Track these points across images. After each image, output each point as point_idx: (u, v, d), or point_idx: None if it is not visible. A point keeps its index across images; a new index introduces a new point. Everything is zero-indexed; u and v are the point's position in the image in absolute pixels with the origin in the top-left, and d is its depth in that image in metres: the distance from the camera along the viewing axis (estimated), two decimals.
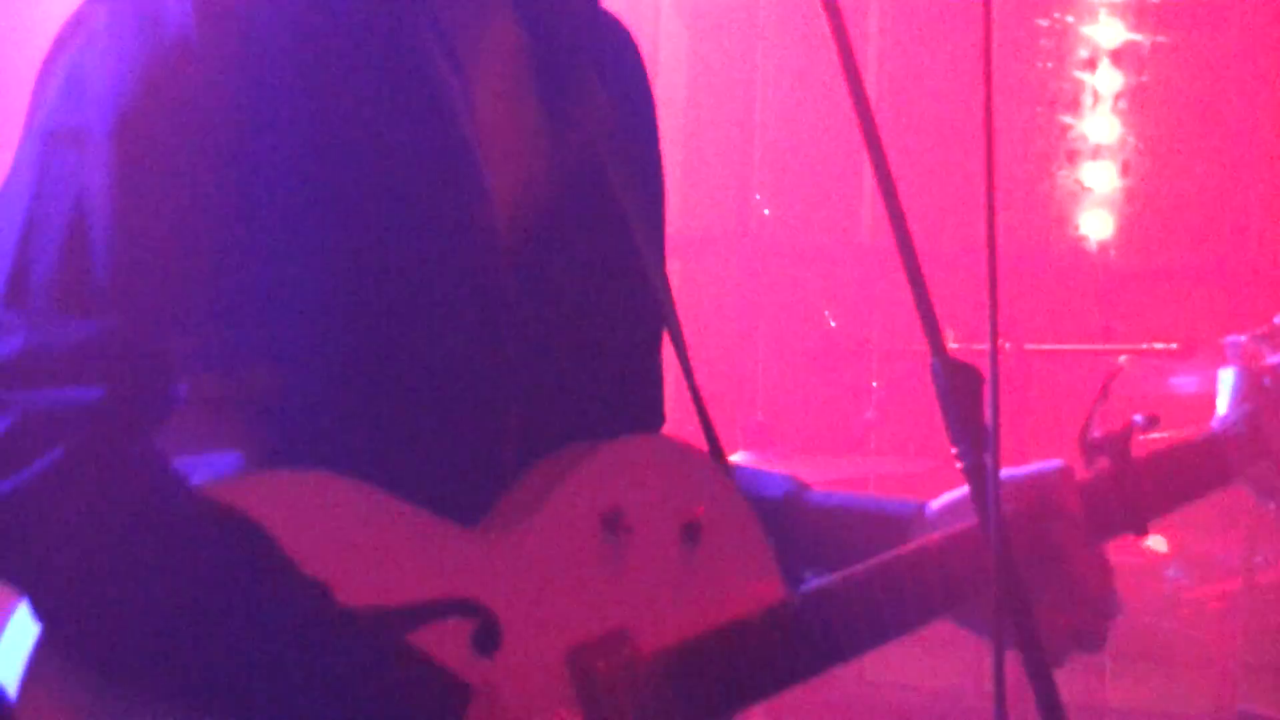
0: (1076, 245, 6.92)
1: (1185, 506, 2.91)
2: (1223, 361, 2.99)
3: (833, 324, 6.54)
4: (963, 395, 2.25)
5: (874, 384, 6.24)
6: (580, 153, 2.84)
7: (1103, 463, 2.84)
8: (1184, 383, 5.76)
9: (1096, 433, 2.87)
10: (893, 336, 6.25)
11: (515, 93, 2.80)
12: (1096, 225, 6.97)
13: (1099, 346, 6.26)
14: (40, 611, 2.37)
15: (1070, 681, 2.36)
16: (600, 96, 2.86)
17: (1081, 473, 2.84)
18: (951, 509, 2.80)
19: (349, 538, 2.59)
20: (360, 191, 2.61)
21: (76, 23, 2.53)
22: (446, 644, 2.51)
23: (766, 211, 6.18)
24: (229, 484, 2.53)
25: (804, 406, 5.86)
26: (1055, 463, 2.85)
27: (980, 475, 2.17)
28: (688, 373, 2.89)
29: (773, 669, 2.70)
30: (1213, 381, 3.08)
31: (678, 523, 2.72)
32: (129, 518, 2.44)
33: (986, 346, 2.16)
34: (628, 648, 2.63)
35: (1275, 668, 6.22)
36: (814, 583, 2.73)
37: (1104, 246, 6.91)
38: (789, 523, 2.90)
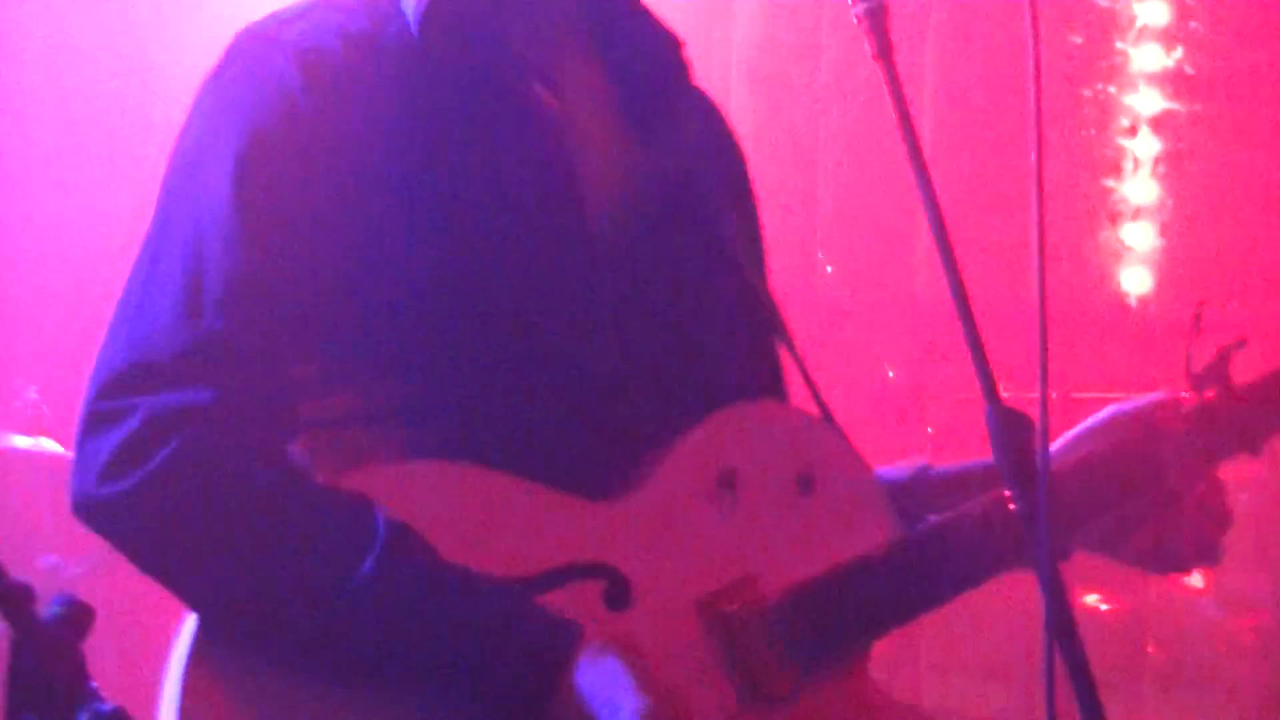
0: (1119, 300, 6.79)
1: None
2: None
3: (890, 374, 6.52)
4: (1014, 440, 2.39)
5: (929, 429, 6.26)
6: (668, 173, 3.06)
7: (1209, 392, 3.06)
8: None
9: (1197, 367, 3.08)
10: (948, 385, 6.17)
11: (607, 120, 3.06)
12: (1136, 281, 6.86)
13: (1140, 394, 6.33)
14: (177, 591, 2.67)
15: (1111, 706, 2.37)
16: (682, 131, 3.12)
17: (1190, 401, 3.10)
18: (1071, 444, 3.08)
19: (478, 517, 2.79)
20: (472, 212, 2.87)
21: (209, 84, 2.88)
22: (579, 605, 2.72)
23: (829, 269, 6.24)
24: (365, 473, 2.79)
25: (863, 451, 5.93)
26: (1159, 394, 3.11)
27: (1032, 516, 2.38)
28: (804, 372, 3.13)
29: (893, 602, 2.92)
30: None
31: (791, 474, 2.91)
32: (238, 499, 2.68)
33: (1037, 394, 2.37)
34: (753, 591, 2.81)
35: None
36: (929, 521, 2.96)
37: (1144, 301, 6.83)
38: (921, 494, 3.10)
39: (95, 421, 2.68)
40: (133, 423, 2.67)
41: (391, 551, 2.66)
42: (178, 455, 2.64)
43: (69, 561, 5.03)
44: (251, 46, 2.91)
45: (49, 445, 5.36)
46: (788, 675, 2.85)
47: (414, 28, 2.91)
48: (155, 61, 7.36)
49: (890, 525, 2.98)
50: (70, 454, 2.95)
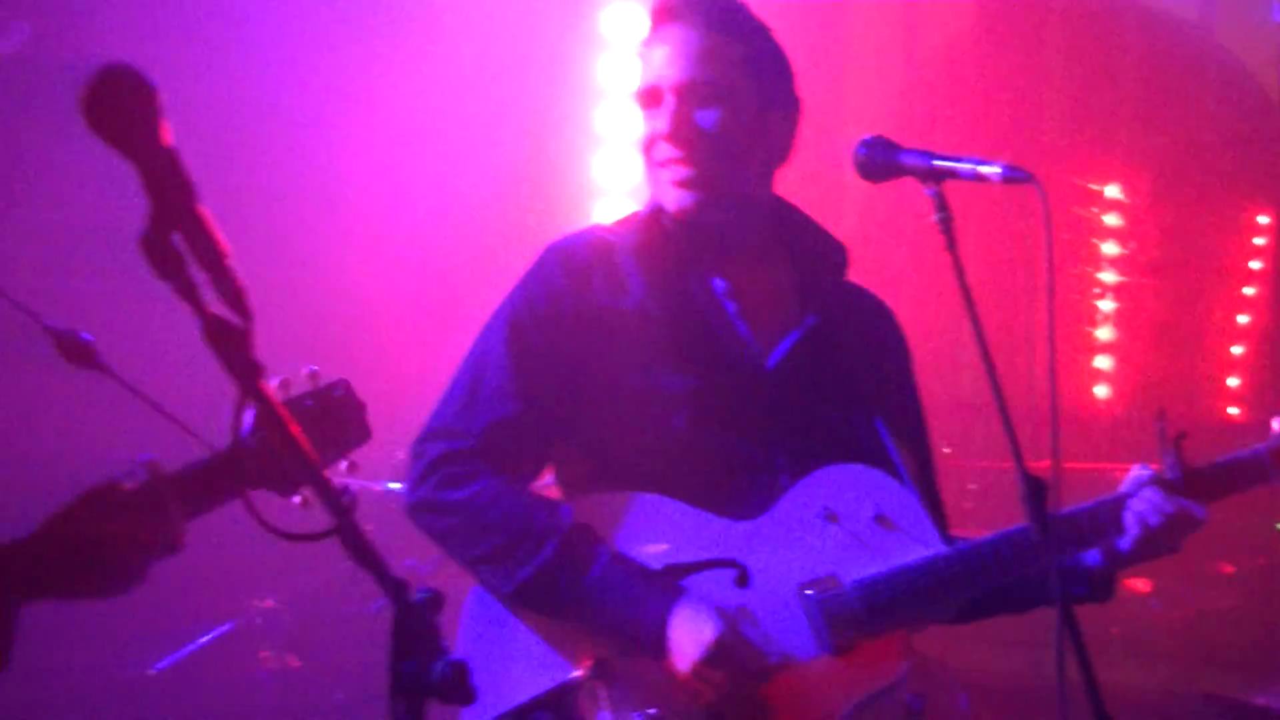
0: (1092, 403, 7.31)
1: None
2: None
3: (946, 450, 6.13)
4: (1034, 496, 2.73)
5: (971, 485, 6.45)
6: (818, 329, 3.37)
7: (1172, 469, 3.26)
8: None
9: (1164, 445, 3.30)
10: (980, 456, 6.40)
11: (780, 295, 3.42)
12: (1103, 391, 7.41)
13: (1103, 463, 6.71)
14: (453, 554, 3.26)
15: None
16: (835, 305, 3.41)
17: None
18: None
19: (652, 523, 3.27)
20: (667, 351, 3.33)
21: (528, 272, 3.37)
22: (718, 582, 3.20)
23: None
24: (589, 499, 3.28)
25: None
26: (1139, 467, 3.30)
27: (1049, 551, 2.76)
28: (889, 451, 3.34)
29: (934, 598, 3.20)
30: None
31: (870, 514, 3.25)
32: (475, 506, 3.21)
33: (1047, 464, 2.76)
34: (835, 584, 3.19)
35: (1223, 666, 6.25)
36: (961, 544, 3.20)
37: (1108, 404, 7.37)
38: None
39: (412, 457, 3.28)
40: (425, 460, 3.28)
41: (571, 534, 3.19)
42: (445, 478, 3.26)
43: (422, 563, 5.23)
44: (542, 254, 3.40)
45: None
46: (849, 638, 3.19)
47: (634, 257, 3.36)
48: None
49: (935, 546, 3.23)
50: None
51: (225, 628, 5.63)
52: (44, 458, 4.67)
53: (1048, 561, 2.75)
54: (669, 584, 3.15)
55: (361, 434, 2.79)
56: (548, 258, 3.33)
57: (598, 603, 3.15)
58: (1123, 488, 3.25)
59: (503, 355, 3.27)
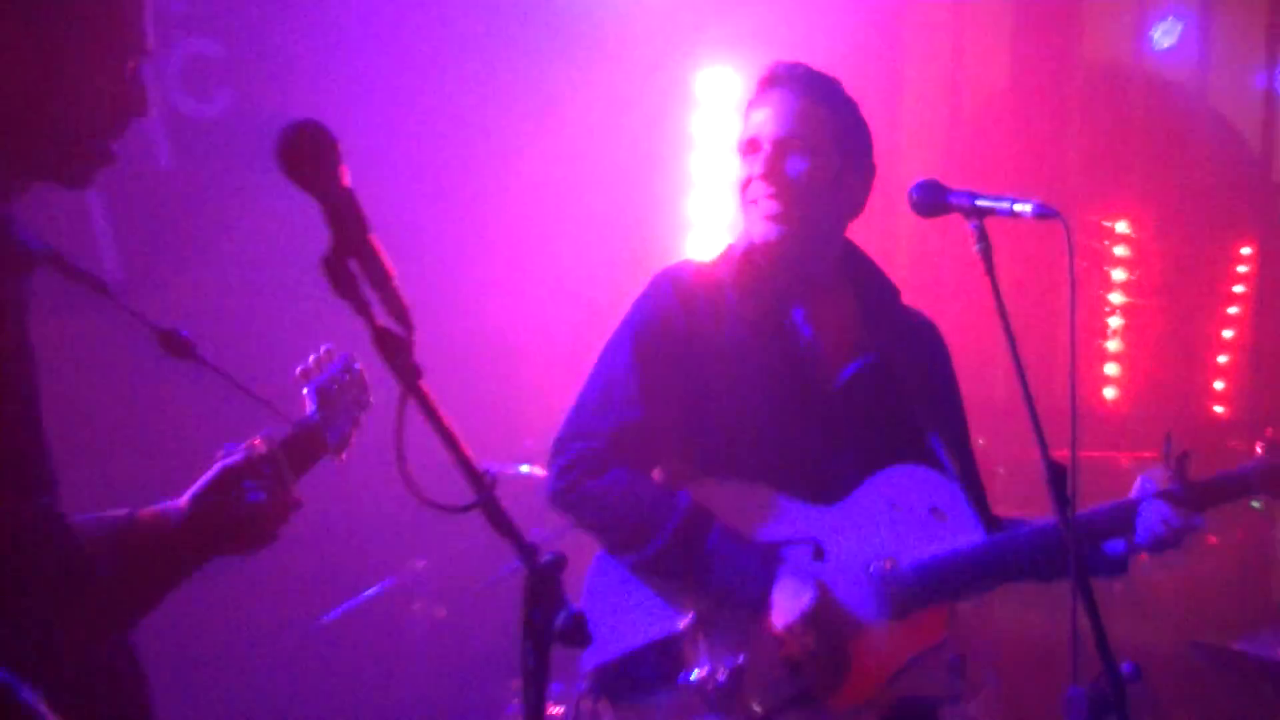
0: (1102, 401, 7.21)
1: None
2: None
3: (981, 441, 5.41)
4: (1057, 480, 2.74)
5: (1000, 469, 6.29)
6: (879, 354, 3.39)
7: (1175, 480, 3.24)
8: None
9: (1170, 460, 3.29)
10: (1009, 445, 6.17)
11: (846, 325, 3.42)
12: (1111, 393, 7.29)
13: (1111, 452, 6.51)
14: (591, 531, 3.31)
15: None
16: (891, 331, 3.42)
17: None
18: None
19: (749, 508, 3.28)
20: (753, 374, 3.32)
21: (639, 299, 3.37)
22: (799, 556, 3.24)
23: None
24: (695, 486, 3.30)
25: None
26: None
27: (1067, 523, 2.74)
28: (941, 455, 3.32)
29: (977, 579, 3.26)
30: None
31: (926, 507, 3.28)
32: (609, 494, 3.25)
33: (1068, 451, 2.74)
34: (894, 564, 3.24)
35: (1209, 619, 6.18)
36: (1001, 535, 3.27)
37: (1115, 403, 7.24)
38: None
39: (553, 454, 3.32)
40: (566, 457, 3.31)
41: (688, 513, 3.22)
42: (583, 471, 3.29)
43: (546, 531, 4.90)
44: (655, 280, 3.41)
45: (539, 471, 5.28)
46: (904, 606, 3.24)
47: (730, 286, 3.39)
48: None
49: (977, 534, 3.27)
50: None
51: (385, 584, 5.62)
52: (150, 438, 4.75)
53: (1070, 544, 2.71)
54: (771, 555, 3.17)
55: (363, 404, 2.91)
56: (661, 283, 3.35)
57: (712, 569, 3.17)
58: (1134, 493, 3.26)
59: (629, 367, 3.29)
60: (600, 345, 3.48)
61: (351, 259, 1.80)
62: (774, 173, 3.27)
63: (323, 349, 2.87)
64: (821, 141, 3.31)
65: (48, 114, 2.10)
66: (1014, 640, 6.06)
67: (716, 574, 3.17)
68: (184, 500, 2.41)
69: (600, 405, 3.30)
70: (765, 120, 3.31)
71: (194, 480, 2.45)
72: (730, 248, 3.43)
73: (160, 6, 4.24)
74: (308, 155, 1.77)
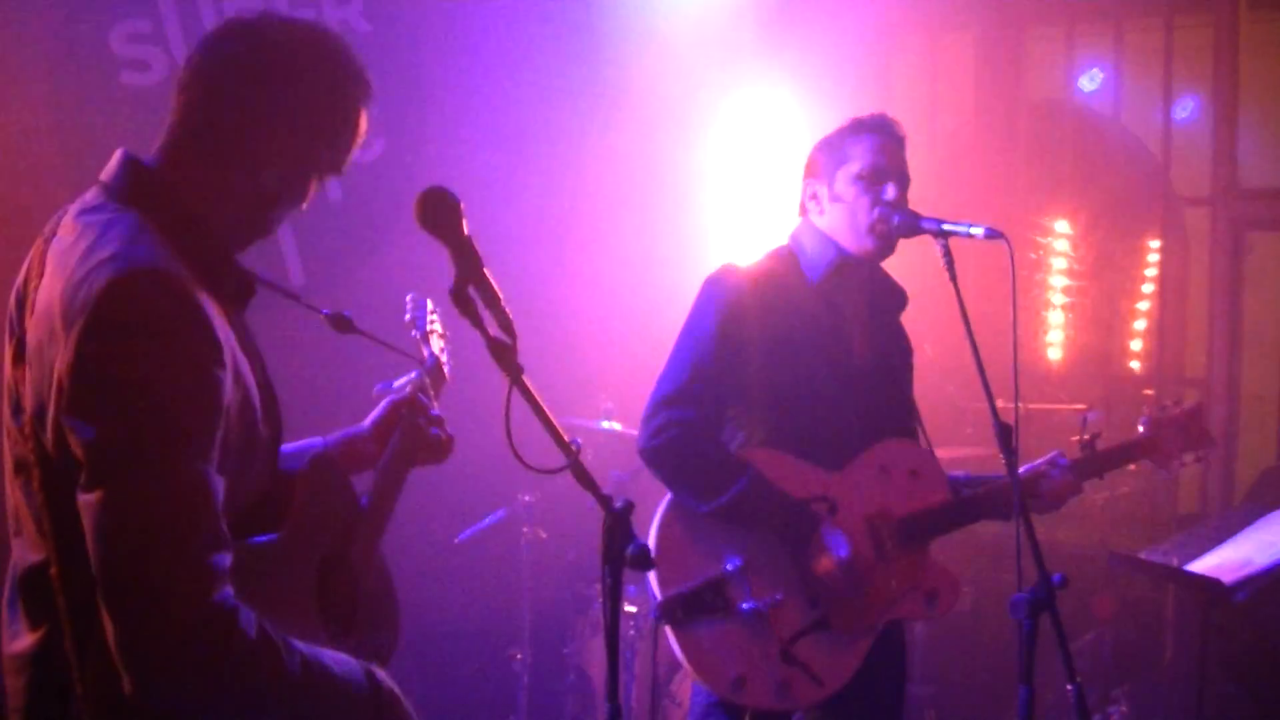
0: (1045, 363, 6.94)
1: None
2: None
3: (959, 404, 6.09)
4: (1004, 437, 2.76)
5: (969, 430, 6.09)
6: (882, 346, 3.31)
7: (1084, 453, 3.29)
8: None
9: (1084, 438, 3.34)
10: (974, 400, 5.87)
11: (863, 320, 3.30)
12: (1054, 354, 6.97)
13: (1054, 405, 6.34)
14: (669, 485, 3.14)
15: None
16: (890, 330, 3.35)
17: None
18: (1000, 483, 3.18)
19: (784, 471, 3.16)
20: (802, 353, 3.18)
21: (709, 285, 3.19)
22: (819, 510, 3.16)
23: (929, 349, 5.35)
24: (743, 450, 3.18)
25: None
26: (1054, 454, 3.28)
27: (1013, 470, 2.75)
28: (919, 426, 3.28)
29: (949, 525, 3.22)
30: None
31: (908, 470, 3.23)
32: (692, 454, 3.10)
33: (1013, 405, 2.83)
34: (888, 516, 3.18)
35: (1126, 534, 6.08)
36: (966, 492, 3.26)
37: (1056, 364, 6.96)
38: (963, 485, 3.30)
39: (648, 417, 3.13)
40: (658, 420, 3.12)
41: (752, 476, 3.08)
42: (674, 435, 3.11)
43: (623, 473, 5.03)
44: (723, 272, 3.22)
45: (616, 426, 5.29)
46: (895, 548, 3.16)
47: (811, 280, 3.25)
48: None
49: (944, 492, 3.25)
50: (623, 430, 3.71)
51: (500, 513, 5.56)
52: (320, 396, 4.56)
53: (1014, 488, 2.73)
54: (817, 510, 3.10)
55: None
56: (727, 276, 3.20)
57: (770, 519, 3.09)
58: (1042, 464, 3.29)
59: (709, 344, 3.14)
60: (658, 329, 3.38)
61: (470, 287, 1.83)
62: (900, 204, 3.16)
63: (407, 298, 2.81)
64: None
65: (279, 209, 1.98)
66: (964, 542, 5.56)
67: (771, 523, 3.10)
68: (366, 425, 2.36)
69: (687, 377, 3.13)
70: (891, 159, 3.20)
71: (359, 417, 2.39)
72: (775, 251, 3.31)
73: None
74: (439, 213, 1.81)
